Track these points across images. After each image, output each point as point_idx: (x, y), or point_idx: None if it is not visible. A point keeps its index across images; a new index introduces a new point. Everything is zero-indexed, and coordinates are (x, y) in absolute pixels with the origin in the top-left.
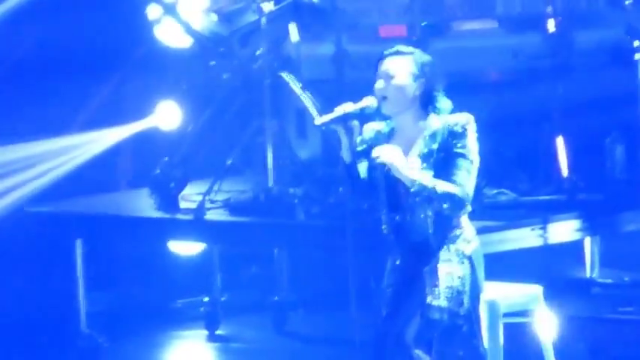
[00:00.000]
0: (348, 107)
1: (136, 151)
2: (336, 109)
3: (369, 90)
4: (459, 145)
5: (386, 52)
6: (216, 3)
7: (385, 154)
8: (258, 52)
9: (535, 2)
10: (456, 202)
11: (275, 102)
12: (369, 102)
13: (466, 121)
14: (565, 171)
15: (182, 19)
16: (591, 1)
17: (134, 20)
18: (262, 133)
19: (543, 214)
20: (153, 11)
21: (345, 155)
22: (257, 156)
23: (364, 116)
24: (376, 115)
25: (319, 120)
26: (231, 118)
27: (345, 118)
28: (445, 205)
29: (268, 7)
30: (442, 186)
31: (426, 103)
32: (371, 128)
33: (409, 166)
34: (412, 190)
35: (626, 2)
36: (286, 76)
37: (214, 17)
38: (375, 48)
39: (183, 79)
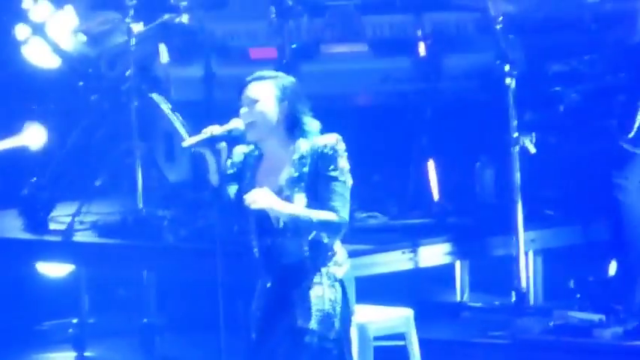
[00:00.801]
0: (215, 129)
1: (3, 171)
2: (203, 130)
3: (238, 112)
4: (330, 167)
5: (248, 79)
6: (85, 24)
7: (259, 200)
8: (127, 73)
9: (405, 26)
10: (334, 229)
11: (144, 124)
12: (236, 124)
13: (335, 141)
14: (435, 195)
15: (50, 40)
16: (461, 25)
17: (1, 39)
18: (131, 154)
19: (413, 238)
20: (21, 31)
21: (213, 178)
22: (126, 178)
23: (232, 138)
24: (243, 137)
25: (187, 142)
26: (100, 139)
27: (212, 141)
28: (323, 234)
29: (137, 28)
30: (318, 215)
31: (292, 127)
32: (240, 152)
33: (278, 203)
34: (290, 225)
35: (497, 27)
36: (156, 98)
37: (83, 38)
38: (245, 70)
39: (51, 99)
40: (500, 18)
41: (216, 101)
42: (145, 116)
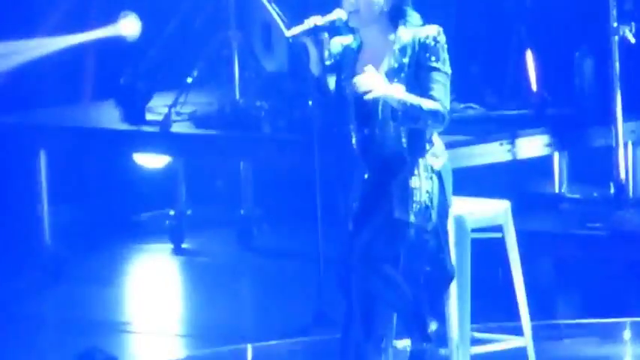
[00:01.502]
0: (317, 20)
1: (100, 61)
2: (305, 21)
3: (336, 3)
4: (432, 58)
5: None
6: None
7: (373, 85)
8: None
9: None
10: (439, 118)
11: (241, 14)
12: (338, 15)
13: (436, 32)
14: (534, 85)
15: None
16: None
17: None
18: (228, 44)
19: (512, 129)
20: None
21: (314, 68)
22: (223, 68)
23: (334, 29)
24: (345, 28)
25: (289, 32)
26: (197, 28)
27: (314, 31)
28: (429, 122)
29: None
30: (426, 103)
31: (395, 17)
32: (339, 42)
33: (392, 89)
34: (399, 112)
35: None
36: None
37: None
38: None
39: None
40: None
41: None
42: (243, 6)
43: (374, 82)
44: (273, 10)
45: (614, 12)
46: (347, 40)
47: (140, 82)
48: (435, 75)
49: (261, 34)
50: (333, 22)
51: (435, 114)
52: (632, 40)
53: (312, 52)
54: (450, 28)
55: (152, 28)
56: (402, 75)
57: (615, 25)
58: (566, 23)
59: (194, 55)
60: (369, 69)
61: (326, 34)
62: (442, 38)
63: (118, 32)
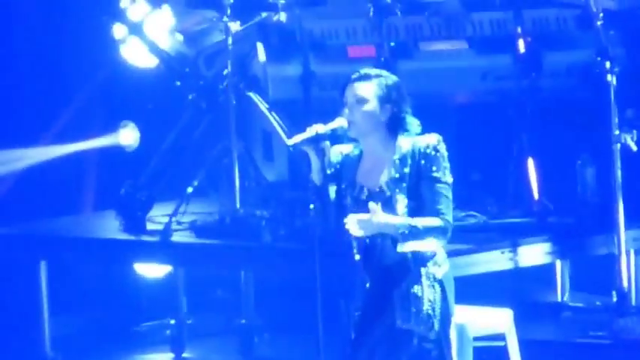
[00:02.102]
0: (319, 128)
1: (101, 172)
2: (307, 129)
3: (337, 111)
4: (433, 168)
5: (353, 77)
6: (182, 23)
7: (364, 228)
8: (224, 73)
9: (504, 23)
10: (441, 233)
11: (241, 123)
12: (340, 123)
13: (436, 142)
14: (535, 193)
15: (148, 39)
16: (561, 21)
17: (99, 39)
18: (229, 154)
19: (513, 237)
20: (118, 30)
21: (316, 177)
22: (223, 178)
23: (335, 137)
24: (347, 136)
25: (291, 141)
26: (198, 139)
27: (316, 139)
28: (432, 238)
29: (235, 26)
30: (424, 222)
31: (394, 126)
32: (339, 151)
33: (386, 219)
34: (400, 240)
35: (598, 23)
36: (253, 97)
37: (180, 37)
38: (344, 68)
39: (149, 99)
40: (601, 14)
41: (314, 100)
42: (243, 115)
43: (365, 225)
44: (274, 119)
45: (615, 120)
46: (347, 148)
47: (140, 192)
48: (437, 187)
49: (261, 143)
50: (335, 131)
51: (435, 230)
52: (634, 148)
53: (314, 160)
54: (451, 135)
55: (152, 138)
56: (404, 185)
57: (617, 132)
58: (568, 131)
59: (195, 165)
60: (373, 207)
61: (328, 143)
62: (442, 147)
63: (117, 142)
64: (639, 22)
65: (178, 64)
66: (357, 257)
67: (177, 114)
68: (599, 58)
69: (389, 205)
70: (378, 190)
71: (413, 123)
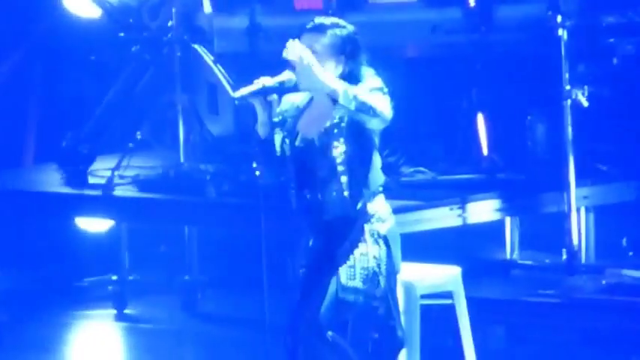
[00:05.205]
0: (267, 81)
1: (42, 123)
2: (254, 81)
3: (283, 64)
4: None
5: (307, 26)
6: None
7: (298, 51)
8: (169, 24)
9: None
10: (377, 114)
11: (186, 76)
12: (288, 76)
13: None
14: (485, 149)
15: None
16: None
17: None
18: (173, 107)
19: (462, 194)
20: None
21: (261, 130)
22: (167, 131)
23: (283, 90)
24: (295, 89)
25: (238, 93)
26: (142, 91)
27: (263, 92)
28: (362, 116)
29: None
30: (365, 96)
31: (347, 80)
32: (290, 101)
33: (324, 72)
34: (340, 99)
35: None
36: (199, 49)
37: None
38: (290, 20)
39: (92, 51)
40: None
41: (260, 52)
42: (188, 68)
43: (307, 53)
44: (219, 72)
45: (566, 75)
46: (299, 97)
47: (82, 145)
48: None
49: (206, 96)
50: (282, 83)
51: (372, 109)
52: (585, 104)
53: (260, 113)
54: (400, 89)
55: (95, 90)
56: (343, 125)
57: (568, 88)
58: (518, 86)
59: (138, 118)
60: (293, 43)
61: (275, 96)
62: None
63: None
64: None
65: (122, 14)
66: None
67: (121, 66)
68: (550, 12)
69: (323, 156)
70: (312, 139)
71: (366, 74)
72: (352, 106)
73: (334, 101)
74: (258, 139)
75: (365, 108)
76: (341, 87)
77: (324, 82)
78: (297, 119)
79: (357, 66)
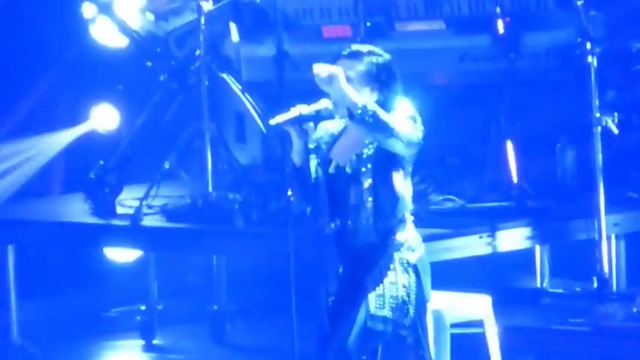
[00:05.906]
0: (303, 109)
1: (70, 153)
2: (291, 109)
3: (311, 92)
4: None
5: (343, 53)
6: (153, 2)
7: (328, 69)
8: (196, 53)
9: (483, 3)
10: (411, 137)
11: (214, 104)
12: (325, 104)
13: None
14: (514, 177)
15: (117, 18)
16: (541, 1)
17: (68, 19)
18: (201, 136)
19: (492, 222)
20: (87, 10)
21: (296, 158)
22: (195, 160)
23: (319, 118)
24: (331, 117)
25: (273, 120)
26: (169, 120)
27: (299, 120)
28: (379, 136)
29: (207, 6)
30: (385, 115)
31: (381, 107)
32: (325, 128)
33: (349, 87)
34: (357, 112)
35: (578, 3)
36: (226, 77)
37: (151, 16)
38: (318, 49)
39: (119, 80)
40: None
41: (288, 81)
42: (215, 97)
43: (335, 69)
44: (247, 100)
45: (596, 102)
46: (334, 125)
47: (110, 175)
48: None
49: (234, 125)
50: (319, 112)
51: (390, 130)
52: (615, 131)
53: (296, 141)
54: (428, 118)
55: (123, 120)
56: (369, 165)
57: (597, 115)
58: (547, 113)
59: (166, 147)
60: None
61: (311, 124)
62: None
63: (94, 126)
64: (620, 1)
65: (149, 44)
66: (332, 226)
67: (149, 95)
68: (579, 39)
69: (354, 183)
70: (344, 166)
71: (400, 103)
72: (369, 120)
73: (351, 115)
74: (293, 167)
75: (382, 126)
76: (362, 101)
77: (346, 93)
78: (331, 146)
79: (392, 95)
